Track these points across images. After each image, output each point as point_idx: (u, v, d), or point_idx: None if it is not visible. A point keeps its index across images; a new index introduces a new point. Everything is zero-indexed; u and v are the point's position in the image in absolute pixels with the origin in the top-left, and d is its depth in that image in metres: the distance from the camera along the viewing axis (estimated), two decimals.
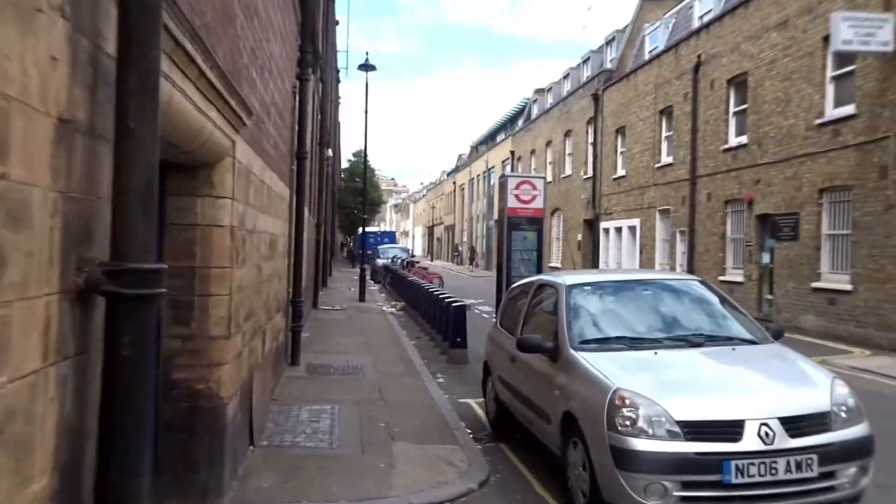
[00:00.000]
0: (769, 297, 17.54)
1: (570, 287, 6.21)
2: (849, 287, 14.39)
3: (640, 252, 25.51)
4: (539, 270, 9.89)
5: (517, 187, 9.80)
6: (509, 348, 6.84)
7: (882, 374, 10.75)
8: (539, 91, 44.59)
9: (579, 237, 32.37)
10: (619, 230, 27.77)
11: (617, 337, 5.70)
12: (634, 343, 5.55)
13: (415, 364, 10.98)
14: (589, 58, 34.99)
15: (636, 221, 25.94)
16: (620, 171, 27.74)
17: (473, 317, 15.52)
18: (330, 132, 23.67)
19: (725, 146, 19.58)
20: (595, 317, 5.95)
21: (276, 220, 8.00)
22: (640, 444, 4.47)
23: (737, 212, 19.37)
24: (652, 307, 6.10)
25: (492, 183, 53.27)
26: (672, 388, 4.78)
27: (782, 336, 5.99)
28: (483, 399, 8.32)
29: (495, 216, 50.40)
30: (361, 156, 54.67)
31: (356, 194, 50.27)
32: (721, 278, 19.35)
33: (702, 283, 6.68)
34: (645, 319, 5.95)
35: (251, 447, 6.23)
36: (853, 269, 14.34)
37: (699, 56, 21.29)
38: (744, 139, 18.74)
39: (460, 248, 67.25)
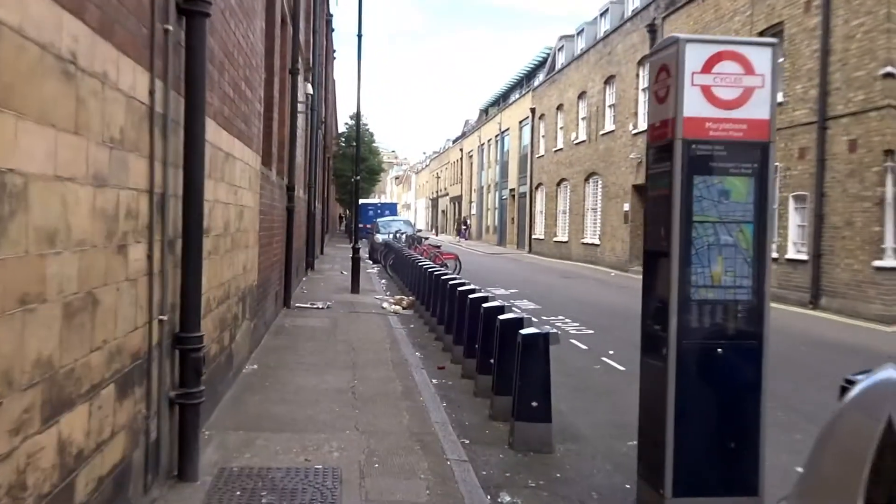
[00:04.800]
0: None
1: None
2: None
3: None
4: (761, 274, 4.04)
5: (707, 68, 3.94)
6: None
7: None
8: (566, 38, 38.40)
9: (626, 207, 26.51)
10: None
11: None
12: None
13: (448, 462, 5.24)
14: None
15: None
16: None
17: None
18: (312, 62, 17.76)
19: (888, 69, 13.61)
20: None
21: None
22: None
23: None
24: None
25: (505, 149, 47.23)
26: None
27: None
28: None
29: (510, 185, 44.09)
30: (356, 117, 48.43)
31: (354, 161, 44.15)
32: (877, 263, 13.58)
33: None
34: None
35: None
36: None
37: None
38: None
39: (469, 222, 61.43)
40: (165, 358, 4.29)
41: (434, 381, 8.14)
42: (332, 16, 32.36)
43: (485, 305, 7.61)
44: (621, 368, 9.18)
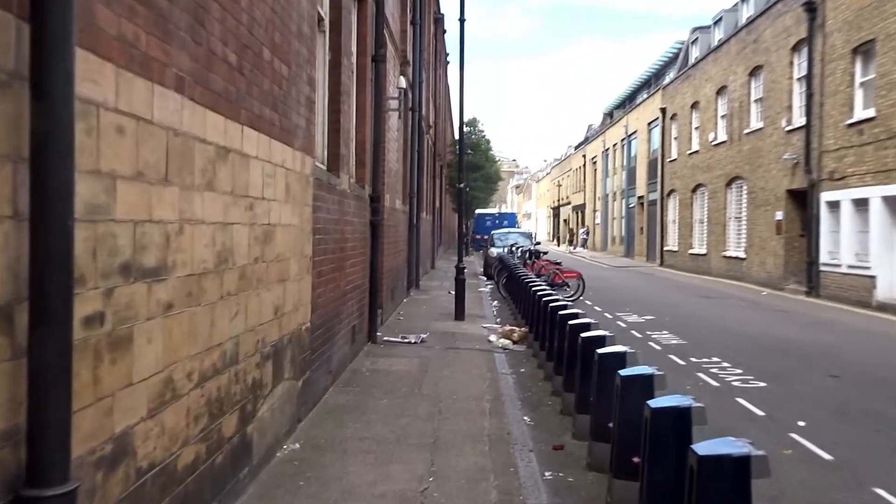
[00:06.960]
0: None
1: None
2: None
3: None
4: None
5: None
6: None
7: None
8: (701, 29, 34.70)
9: (779, 216, 22.81)
10: (861, 203, 18.16)
11: None
12: None
13: None
14: None
15: None
16: (863, 113, 18.08)
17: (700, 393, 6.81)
18: (412, 57, 15.64)
19: None
20: None
21: None
22: None
23: None
24: None
25: (632, 153, 43.73)
26: None
27: None
28: None
29: (638, 192, 40.74)
30: (471, 124, 46.55)
31: (471, 170, 41.91)
32: None
33: None
34: None
35: None
36: None
37: None
38: None
39: (588, 230, 58.01)
40: None
41: (547, 474, 5.62)
42: (442, 15, 30.40)
43: (622, 374, 4.97)
44: (827, 457, 6.24)
